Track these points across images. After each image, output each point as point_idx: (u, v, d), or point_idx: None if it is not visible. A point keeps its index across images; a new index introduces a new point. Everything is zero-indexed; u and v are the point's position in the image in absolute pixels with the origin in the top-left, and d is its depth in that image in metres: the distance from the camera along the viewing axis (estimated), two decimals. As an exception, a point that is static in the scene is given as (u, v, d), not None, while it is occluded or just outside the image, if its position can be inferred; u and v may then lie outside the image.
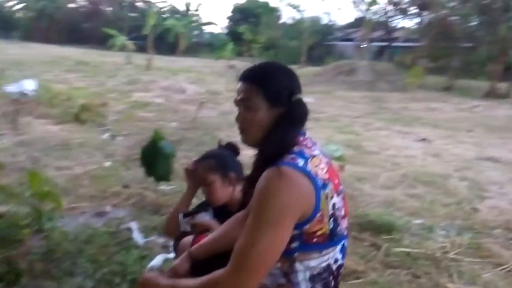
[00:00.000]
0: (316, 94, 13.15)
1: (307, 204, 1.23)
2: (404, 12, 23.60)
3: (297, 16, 27.74)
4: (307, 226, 1.25)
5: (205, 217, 2.06)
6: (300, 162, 1.25)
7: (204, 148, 5.67)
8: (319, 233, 1.27)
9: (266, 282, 1.34)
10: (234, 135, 6.74)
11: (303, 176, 1.23)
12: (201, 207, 2.11)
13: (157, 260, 2.68)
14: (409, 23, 24.68)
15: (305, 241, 1.27)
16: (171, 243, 2.89)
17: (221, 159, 2.05)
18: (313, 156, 1.30)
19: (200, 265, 1.58)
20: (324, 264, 1.32)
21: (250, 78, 1.37)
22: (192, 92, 11.40)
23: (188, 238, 1.87)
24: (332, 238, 1.30)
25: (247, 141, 1.38)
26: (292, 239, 1.26)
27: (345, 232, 1.37)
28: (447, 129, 8.61)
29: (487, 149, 6.79)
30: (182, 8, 36.90)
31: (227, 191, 2.02)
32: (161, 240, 2.97)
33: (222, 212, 2.09)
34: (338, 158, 3.76)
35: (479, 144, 7.19)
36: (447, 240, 3.20)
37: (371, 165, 5.31)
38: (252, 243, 1.21)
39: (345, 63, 17.75)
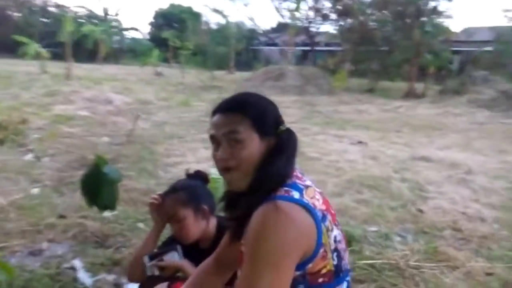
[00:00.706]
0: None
1: (308, 240, 1.11)
2: (325, 18, 24.52)
3: (222, 21, 27.74)
4: (310, 265, 1.12)
5: (174, 257, 1.84)
6: (296, 194, 1.14)
7: (144, 165, 5.40)
8: (324, 271, 1.15)
9: None
10: (173, 148, 6.48)
11: (302, 210, 1.11)
12: (168, 246, 1.88)
13: (111, 303, 2.38)
14: (330, 28, 25.61)
15: (310, 283, 1.14)
16: (124, 280, 2.61)
17: (192, 190, 1.85)
18: (307, 187, 1.19)
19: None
20: None
21: (234, 108, 1.22)
22: (120, 102, 10.79)
23: (161, 287, 1.64)
24: (338, 275, 1.18)
25: (236, 181, 1.20)
26: (295, 283, 1.12)
27: (348, 266, 1.26)
28: (378, 130, 8.98)
29: (417, 148, 7.15)
30: (100, 13, 35.12)
31: (200, 226, 1.82)
32: (111, 277, 2.66)
33: (192, 250, 1.88)
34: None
35: (409, 144, 7.56)
36: (406, 247, 3.24)
37: (316, 172, 5.31)
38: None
39: (273, 68, 17.99)
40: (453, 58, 19.79)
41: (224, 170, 1.22)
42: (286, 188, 1.15)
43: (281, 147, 1.21)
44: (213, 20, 32.35)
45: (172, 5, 37.42)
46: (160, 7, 39.78)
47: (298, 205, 1.11)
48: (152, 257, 1.80)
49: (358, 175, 5.30)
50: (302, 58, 29.67)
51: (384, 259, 3.00)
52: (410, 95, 16.02)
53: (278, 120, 1.25)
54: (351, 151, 6.64)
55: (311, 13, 27.17)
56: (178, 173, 5.02)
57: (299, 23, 24.15)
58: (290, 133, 1.25)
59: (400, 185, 4.95)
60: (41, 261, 2.75)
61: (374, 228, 3.61)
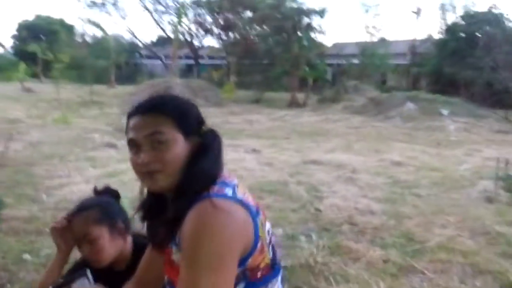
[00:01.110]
0: (135, 115, 12.63)
1: (247, 235, 1.07)
2: (207, 32, 24.85)
3: (99, 34, 26.33)
4: (250, 260, 1.08)
5: (84, 284, 1.61)
6: (229, 191, 1.09)
7: (22, 190, 4.79)
8: (262, 265, 1.12)
9: None
10: (55, 169, 5.87)
11: (237, 205, 1.07)
12: (76, 271, 1.65)
13: None
14: (213, 41, 26.05)
15: (250, 280, 1.10)
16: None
17: (105, 207, 1.64)
18: (237, 184, 1.15)
19: None
20: None
21: (155, 109, 1.13)
22: (-16, 122, 9.52)
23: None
24: (273, 268, 1.15)
25: (162, 183, 1.12)
26: (236, 281, 1.07)
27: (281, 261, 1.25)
28: (269, 138, 9.32)
29: (307, 153, 7.56)
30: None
31: (116, 245, 1.62)
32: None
33: (105, 273, 1.68)
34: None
35: (299, 149, 7.97)
36: (311, 245, 3.35)
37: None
38: None
39: (159, 82, 17.55)
40: (327, 70, 21.56)
41: (146, 174, 1.12)
42: (218, 187, 1.10)
43: (207, 146, 1.16)
44: (89, 33, 30.33)
45: (39, 17, 34.31)
46: (24, 19, 36.18)
47: (233, 201, 1.07)
48: (58, 286, 1.56)
49: (257, 181, 5.40)
50: (187, 71, 29.61)
51: (294, 258, 3.07)
52: (293, 104, 16.99)
53: (200, 120, 1.20)
54: (247, 159, 6.75)
55: (193, 27, 27.41)
56: (65, 195, 4.57)
57: (181, 37, 24.08)
58: (214, 133, 1.21)
59: (297, 188, 5.16)
60: None
61: (280, 230, 3.68)
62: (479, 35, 20.15)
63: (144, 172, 1.12)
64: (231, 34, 21.14)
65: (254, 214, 1.09)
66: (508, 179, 5.53)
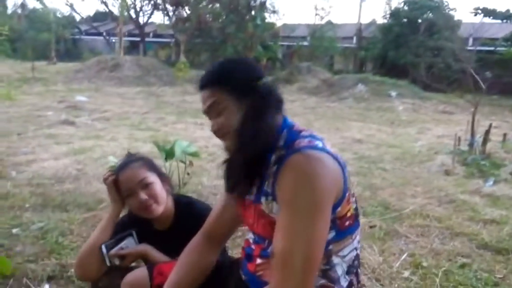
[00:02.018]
0: (86, 92, 12.11)
1: (339, 184, 1.16)
2: (156, 8, 23.98)
3: (38, 5, 24.54)
4: (339, 209, 1.17)
5: (131, 243, 1.63)
6: (319, 143, 1.18)
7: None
8: (348, 214, 1.21)
9: None
10: (17, 146, 5.52)
11: (328, 156, 1.15)
12: (122, 231, 1.64)
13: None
14: (159, 18, 25.17)
15: (339, 228, 1.19)
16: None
17: (150, 160, 1.71)
18: (323, 138, 1.24)
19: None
20: (354, 253, 1.26)
21: (209, 82, 1.25)
22: None
23: (139, 274, 1.43)
24: (357, 219, 1.27)
25: (229, 144, 1.24)
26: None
27: None
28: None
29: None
30: None
31: (165, 196, 1.66)
32: (4, 293, 2.18)
33: (148, 233, 1.69)
34: (193, 154, 3.56)
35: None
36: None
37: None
38: (303, 242, 1.07)
39: (107, 58, 16.80)
40: (279, 51, 21.75)
41: (221, 138, 1.26)
42: (308, 139, 1.17)
43: (264, 99, 1.23)
44: (24, 4, 27.90)
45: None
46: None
47: (323, 152, 1.14)
48: (108, 247, 1.56)
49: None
50: (131, 48, 28.47)
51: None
52: (246, 84, 16.93)
53: (252, 77, 1.25)
54: (215, 138, 6.73)
55: (139, 2, 26.33)
56: (37, 171, 4.37)
57: (126, 12, 23.08)
58: (269, 85, 1.27)
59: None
60: None
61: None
62: (421, 21, 21.21)
63: (218, 137, 1.26)
64: (181, 10, 20.57)
65: (342, 165, 1.18)
66: (462, 154, 6.02)
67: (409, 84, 15.47)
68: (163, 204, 1.63)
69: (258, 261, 1.26)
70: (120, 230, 1.66)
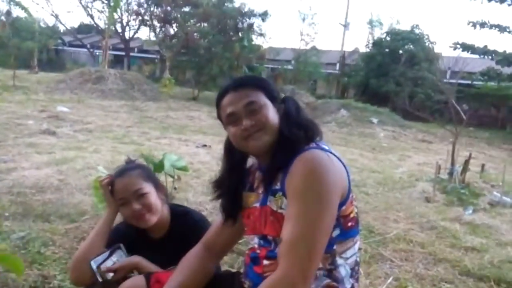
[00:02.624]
0: (68, 103, 11.94)
1: (344, 183, 1.24)
2: (143, 23, 24.05)
3: (22, 14, 24.20)
4: (344, 208, 1.25)
5: (122, 256, 1.60)
6: (325, 146, 1.29)
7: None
8: (351, 215, 1.29)
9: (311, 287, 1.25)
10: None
11: (334, 157, 1.25)
12: (110, 247, 1.61)
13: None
14: (145, 34, 25.26)
15: (343, 227, 1.26)
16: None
17: (147, 169, 1.71)
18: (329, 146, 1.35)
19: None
20: (355, 258, 1.32)
21: (245, 84, 1.34)
22: None
23: (137, 281, 1.40)
24: (357, 223, 1.34)
25: (264, 140, 1.29)
26: (333, 226, 1.23)
27: None
28: (214, 135, 9.30)
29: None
30: None
31: (160, 206, 1.65)
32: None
33: (142, 242, 1.68)
34: (182, 168, 3.53)
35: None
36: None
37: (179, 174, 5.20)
38: (309, 231, 1.15)
39: (91, 71, 16.65)
40: (264, 73, 21.97)
41: (249, 137, 1.29)
42: (315, 143, 1.28)
43: (292, 108, 1.36)
44: (6, 12, 27.42)
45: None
46: None
47: (330, 153, 1.24)
48: (98, 262, 1.53)
49: (215, 174, 5.40)
50: (115, 62, 28.33)
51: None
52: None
53: (278, 91, 1.39)
54: (201, 154, 6.72)
55: (126, 17, 26.36)
56: (17, 180, 4.26)
57: (112, 26, 23.04)
58: (291, 98, 1.41)
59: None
60: None
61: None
62: (402, 52, 21.88)
63: (246, 136, 1.29)
64: (169, 27, 20.66)
65: (347, 168, 1.27)
66: (442, 182, 6.15)
67: (390, 112, 15.83)
68: (157, 214, 1.63)
69: (265, 262, 1.30)
70: (115, 237, 1.64)
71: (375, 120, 13.56)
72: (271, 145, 1.28)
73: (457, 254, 3.52)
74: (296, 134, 1.26)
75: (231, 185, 1.40)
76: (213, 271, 1.46)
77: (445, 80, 10.95)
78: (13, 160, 5.06)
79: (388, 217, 4.53)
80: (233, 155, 1.39)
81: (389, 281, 2.89)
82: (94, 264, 1.51)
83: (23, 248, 2.68)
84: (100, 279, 1.50)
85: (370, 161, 8.24)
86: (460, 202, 5.36)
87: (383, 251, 3.48)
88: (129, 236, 1.66)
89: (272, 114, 1.30)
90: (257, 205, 1.33)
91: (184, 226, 1.65)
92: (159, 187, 1.71)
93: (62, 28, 32.03)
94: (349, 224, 1.27)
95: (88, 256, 1.52)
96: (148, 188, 1.63)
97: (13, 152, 5.50)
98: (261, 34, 18.99)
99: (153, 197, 1.63)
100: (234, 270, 1.60)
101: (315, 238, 1.14)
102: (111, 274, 1.51)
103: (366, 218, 4.40)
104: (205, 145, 7.53)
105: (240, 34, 17.76)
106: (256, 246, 1.34)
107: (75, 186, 4.28)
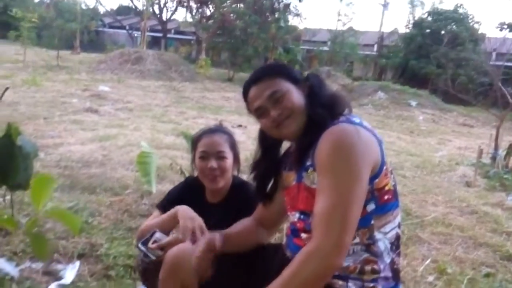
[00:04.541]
0: (109, 83, 12.26)
1: (375, 156, 1.23)
2: (181, 4, 24.18)
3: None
4: (377, 180, 1.24)
5: (164, 236, 1.64)
6: (356, 119, 1.28)
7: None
8: (387, 188, 1.27)
9: (349, 263, 1.26)
10: (44, 129, 5.63)
11: (364, 130, 1.24)
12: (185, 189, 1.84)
13: (53, 292, 2.02)
14: (182, 15, 25.46)
15: (378, 200, 1.25)
16: (57, 267, 2.25)
17: (234, 138, 1.83)
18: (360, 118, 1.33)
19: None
20: (395, 232, 1.32)
21: (263, 75, 1.36)
22: None
23: (183, 246, 1.47)
24: (396, 197, 1.32)
25: (293, 126, 1.31)
26: (367, 201, 1.23)
27: None
28: (248, 115, 9.33)
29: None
30: None
31: (230, 175, 1.74)
32: (38, 265, 2.24)
33: (198, 202, 1.77)
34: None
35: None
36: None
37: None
38: (340, 201, 1.15)
39: (130, 51, 16.99)
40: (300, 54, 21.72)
41: (280, 125, 1.31)
42: (345, 117, 1.28)
43: (316, 85, 1.36)
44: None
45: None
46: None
47: (360, 126, 1.24)
48: (144, 242, 1.59)
49: (251, 153, 5.46)
50: (152, 44, 28.74)
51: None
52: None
53: (299, 71, 1.41)
54: (236, 133, 6.73)
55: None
56: (64, 154, 4.46)
57: (150, 7, 23.32)
58: (314, 75, 1.41)
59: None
60: None
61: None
62: (444, 32, 21.01)
63: (277, 125, 1.32)
64: (205, 8, 20.70)
65: (379, 140, 1.26)
66: (484, 167, 5.96)
67: (430, 94, 15.35)
68: (225, 180, 1.73)
69: (303, 235, 1.33)
70: (171, 198, 1.78)
71: (413, 103, 13.20)
72: (301, 129, 1.30)
73: (498, 239, 3.43)
74: (321, 114, 1.27)
75: (265, 167, 1.45)
76: (263, 241, 1.53)
77: (490, 62, 10.48)
78: (59, 136, 5.30)
79: (426, 200, 4.45)
80: (266, 141, 1.43)
81: (427, 262, 2.86)
82: (142, 246, 1.57)
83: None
84: (153, 257, 1.55)
85: (407, 144, 8.07)
86: (503, 187, 5.19)
87: (420, 233, 3.45)
88: (184, 199, 1.74)
89: (297, 98, 1.31)
90: (294, 182, 1.36)
91: (240, 195, 1.73)
92: (236, 159, 1.80)
93: (102, 10, 32.82)
94: (386, 197, 1.26)
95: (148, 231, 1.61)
96: (229, 155, 1.73)
97: (59, 128, 5.75)
98: (297, 15, 18.73)
99: (229, 164, 1.72)
100: (277, 243, 1.65)
101: (347, 210, 1.14)
102: (161, 252, 1.55)
103: (404, 201, 4.34)
104: (240, 125, 7.59)
105: (276, 15, 17.58)
106: (295, 219, 1.37)
107: (118, 161, 4.44)
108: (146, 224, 1.74)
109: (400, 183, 5.04)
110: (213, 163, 1.69)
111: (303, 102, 1.31)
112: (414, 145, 8.00)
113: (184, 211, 1.60)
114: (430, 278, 2.63)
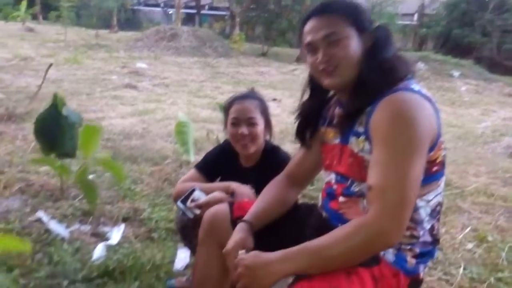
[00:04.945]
0: (146, 60, 12.46)
1: (433, 128, 1.14)
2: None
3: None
4: (431, 153, 1.16)
5: (202, 195, 1.69)
6: (415, 86, 1.16)
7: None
8: (438, 160, 1.20)
9: None
10: (87, 104, 5.85)
11: (424, 100, 1.14)
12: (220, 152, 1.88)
13: (101, 251, 2.14)
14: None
15: (427, 172, 1.17)
16: (104, 229, 2.37)
17: (264, 104, 1.81)
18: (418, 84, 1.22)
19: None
20: (438, 198, 1.26)
21: (329, 10, 1.21)
22: (-4, 58, 9.35)
23: (220, 207, 1.51)
24: (444, 167, 1.24)
25: (338, 79, 1.20)
26: None
27: None
28: (284, 89, 9.31)
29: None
30: None
31: (262, 139, 1.77)
32: (86, 227, 2.38)
33: (232, 166, 1.82)
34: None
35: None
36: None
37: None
38: (401, 178, 1.08)
39: (166, 29, 17.12)
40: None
41: (324, 71, 1.21)
42: (405, 82, 1.16)
43: (382, 41, 1.22)
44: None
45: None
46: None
47: (420, 95, 1.13)
48: (183, 200, 1.65)
49: (286, 127, 5.46)
50: (186, 20, 28.82)
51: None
52: (301, 59, 16.77)
53: (370, 18, 1.25)
54: (271, 107, 6.74)
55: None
56: (107, 127, 4.64)
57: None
58: (384, 28, 1.25)
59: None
60: (-6, 217, 2.31)
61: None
62: (490, -1, 19.84)
63: (321, 70, 1.21)
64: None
65: (437, 110, 1.16)
66: (531, 137, 5.70)
67: (473, 64, 14.64)
68: (257, 146, 1.75)
69: (341, 199, 1.28)
70: (211, 157, 1.85)
71: (456, 74, 12.65)
72: (348, 83, 1.20)
73: (544, 211, 3.32)
74: (375, 79, 1.15)
75: (311, 107, 1.36)
76: (294, 201, 1.49)
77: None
78: (101, 111, 5.49)
79: (467, 171, 4.33)
80: (316, 80, 1.30)
81: (466, 231, 2.82)
82: (181, 204, 1.63)
83: (116, 184, 2.96)
84: (191, 215, 1.61)
85: (448, 115, 7.80)
86: (550, 158, 4.97)
87: (461, 203, 3.38)
88: (220, 162, 1.82)
89: (353, 49, 1.18)
90: (337, 142, 1.29)
91: (273, 159, 1.76)
92: (268, 124, 1.81)
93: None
94: (434, 169, 1.20)
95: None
96: (260, 121, 1.74)
97: (101, 103, 5.95)
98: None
99: (260, 130, 1.74)
100: (312, 202, 1.66)
101: (407, 186, 1.08)
102: (199, 210, 1.60)
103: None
104: (275, 99, 7.57)
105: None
106: (332, 181, 1.32)
107: (156, 134, 4.58)
108: (183, 179, 1.82)
109: (439, 154, 4.93)
110: (243, 130, 1.71)
111: (359, 55, 1.19)
112: (455, 117, 7.73)
113: (239, 186, 1.66)
114: (470, 246, 2.60)
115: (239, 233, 1.32)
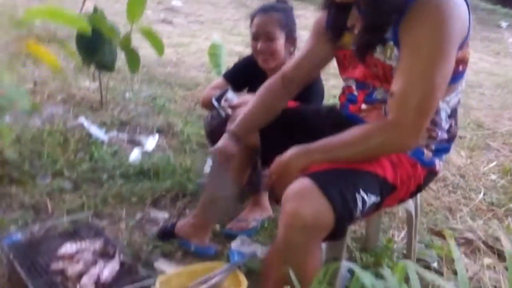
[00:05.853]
0: (181, -2, 12.34)
1: (465, 28, 1.13)
2: None
3: None
4: (460, 52, 1.14)
5: (234, 96, 1.76)
6: None
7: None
8: (465, 59, 1.20)
9: None
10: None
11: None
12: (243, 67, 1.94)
13: (137, 154, 2.31)
14: None
15: (455, 71, 1.15)
16: (140, 137, 2.53)
17: (289, 16, 1.79)
18: None
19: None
20: (458, 97, 1.27)
21: None
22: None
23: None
24: (467, 65, 1.23)
25: None
26: None
27: None
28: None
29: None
30: None
31: (283, 54, 1.78)
32: (124, 135, 2.54)
33: (259, 78, 1.85)
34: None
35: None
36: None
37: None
38: (421, 83, 1.08)
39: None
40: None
41: None
42: None
43: None
44: None
45: None
46: None
47: None
48: (218, 99, 1.72)
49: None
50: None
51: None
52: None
53: None
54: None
55: None
56: (143, 55, 4.63)
57: None
58: None
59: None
60: (41, 121, 2.50)
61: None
62: None
63: None
64: None
65: (469, 3, 1.15)
66: None
67: (525, 16, 13.70)
68: (276, 61, 1.75)
69: (363, 106, 1.29)
70: (240, 67, 1.92)
71: (504, 24, 11.91)
72: None
73: None
74: None
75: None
76: (283, 107, 1.46)
77: None
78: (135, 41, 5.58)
79: (502, 115, 4.23)
80: None
81: (492, 165, 2.82)
82: (216, 102, 1.70)
83: (151, 102, 3.10)
84: (223, 114, 1.67)
85: (491, 65, 7.46)
86: None
87: (490, 142, 3.35)
88: (247, 72, 1.88)
89: None
90: (354, 48, 1.23)
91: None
92: (291, 37, 1.78)
93: None
94: (460, 68, 1.18)
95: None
96: (279, 35, 1.73)
97: (136, 35, 6.02)
98: None
99: (279, 45, 1.73)
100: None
101: (430, 91, 1.08)
102: (231, 110, 1.65)
103: (477, 114, 4.17)
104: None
105: None
106: (354, 87, 1.31)
107: (190, 64, 4.66)
108: (211, 87, 1.91)
109: (476, 99, 4.80)
110: (261, 45, 1.72)
111: None
112: (498, 66, 7.39)
113: None
114: (493, 177, 2.62)
115: (221, 140, 1.43)
